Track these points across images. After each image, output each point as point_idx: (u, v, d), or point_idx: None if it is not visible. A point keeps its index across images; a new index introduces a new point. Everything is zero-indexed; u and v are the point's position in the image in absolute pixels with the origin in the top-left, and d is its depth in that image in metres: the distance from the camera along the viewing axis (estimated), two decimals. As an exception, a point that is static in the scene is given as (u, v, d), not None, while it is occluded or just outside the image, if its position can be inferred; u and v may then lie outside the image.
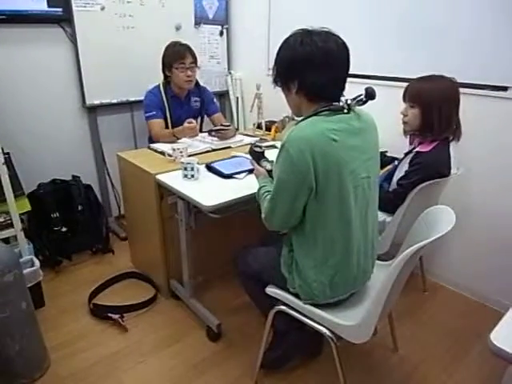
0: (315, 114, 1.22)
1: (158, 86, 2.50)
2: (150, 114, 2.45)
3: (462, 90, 1.78)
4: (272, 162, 1.55)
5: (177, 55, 2.39)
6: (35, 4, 2.25)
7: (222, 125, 2.43)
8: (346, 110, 1.23)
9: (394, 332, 1.82)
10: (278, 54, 1.28)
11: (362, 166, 1.24)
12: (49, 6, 2.30)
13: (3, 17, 2.18)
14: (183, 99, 2.57)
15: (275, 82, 1.31)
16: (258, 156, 1.61)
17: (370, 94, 1.24)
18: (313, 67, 1.20)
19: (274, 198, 1.28)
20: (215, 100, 2.78)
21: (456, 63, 1.96)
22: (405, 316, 2.05)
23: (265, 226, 1.38)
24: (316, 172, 1.16)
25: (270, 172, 1.51)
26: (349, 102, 1.24)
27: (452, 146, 1.78)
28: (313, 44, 1.18)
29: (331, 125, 1.19)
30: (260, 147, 1.65)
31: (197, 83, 2.60)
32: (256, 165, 1.59)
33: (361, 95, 1.25)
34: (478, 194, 2.08)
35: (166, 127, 2.49)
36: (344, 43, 1.22)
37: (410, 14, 2.12)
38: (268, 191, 1.39)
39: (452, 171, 1.76)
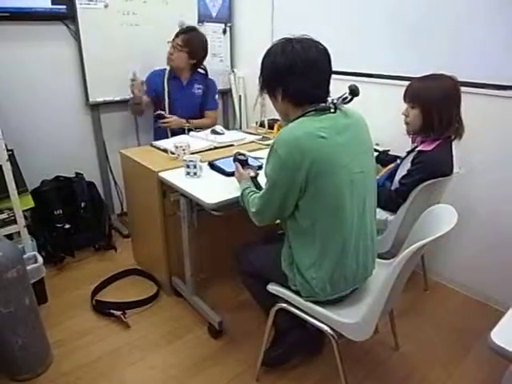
0: (303, 115, 1.25)
1: (165, 68, 2.60)
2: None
3: (466, 89, 1.77)
4: (256, 167, 1.70)
5: (175, 34, 2.50)
6: (39, 1, 2.25)
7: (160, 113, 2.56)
8: (332, 110, 1.25)
9: (395, 330, 1.83)
10: (262, 64, 1.33)
11: (354, 160, 1.26)
12: (52, 3, 2.30)
13: (7, 14, 2.19)
14: (184, 83, 2.63)
15: (262, 89, 1.37)
16: (241, 164, 1.69)
17: (353, 91, 1.27)
18: (294, 74, 1.24)
19: (266, 195, 1.32)
20: (216, 97, 2.81)
21: (461, 62, 1.95)
22: (406, 314, 2.05)
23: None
24: (306, 170, 1.18)
25: (253, 178, 1.57)
26: (335, 101, 1.27)
27: (454, 144, 1.77)
28: (293, 52, 1.22)
29: (318, 123, 1.22)
30: (244, 155, 1.74)
31: (206, 73, 2.69)
32: (240, 169, 1.66)
33: (345, 93, 1.27)
34: (480, 194, 2.08)
35: (162, 107, 2.61)
36: (324, 49, 1.27)
37: (416, 13, 2.11)
38: (253, 191, 1.46)
39: (454, 170, 1.75)
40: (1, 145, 1.86)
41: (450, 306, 2.16)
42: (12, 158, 2.02)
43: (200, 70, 2.68)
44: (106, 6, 2.49)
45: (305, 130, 1.20)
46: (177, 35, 2.50)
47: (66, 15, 2.38)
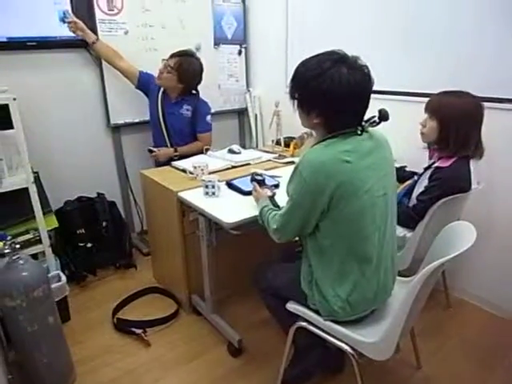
0: (330, 138, 1.25)
1: None
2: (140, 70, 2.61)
3: (486, 104, 1.77)
4: (273, 187, 1.74)
5: (170, 54, 2.51)
6: (63, 30, 2.35)
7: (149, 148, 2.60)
8: (359, 132, 1.25)
9: (417, 349, 1.80)
10: (299, 76, 1.25)
11: (377, 183, 1.26)
12: (76, 32, 2.41)
13: (33, 43, 2.30)
14: (173, 101, 2.59)
15: (292, 97, 1.29)
16: (259, 183, 1.73)
17: (383, 116, 1.27)
18: (336, 105, 1.20)
19: (287, 214, 1.33)
20: (209, 119, 2.67)
21: (479, 78, 1.96)
22: (428, 333, 2.01)
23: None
24: (330, 195, 1.19)
25: (270, 198, 1.58)
26: (362, 123, 1.26)
27: (473, 161, 1.76)
28: (339, 78, 1.16)
29: (344, 147, 1.22)
30: (261, 175, 1.78)
31: (197, 94, 2.64)
32: (258, 188, 1.69)
33: (374, 117, 1.27)
34: (500, 208, 2.05)
35: (154, 119, 2.62)
36: (370, 74, 1.21)
37: (429, 31, 2.14)
38: (271, 209, 1.47)
39: (473, 186, 1.74)
40: (28, 168, 1.93)
41: (474, 324, 2.12)
42: (37, 179, 2.09)
43: (192, 91, 2.63)
44: (126, 33, 2.60)
45: (330, 154, 1.20)
46: (171, 56, 2.49)
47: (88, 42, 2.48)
